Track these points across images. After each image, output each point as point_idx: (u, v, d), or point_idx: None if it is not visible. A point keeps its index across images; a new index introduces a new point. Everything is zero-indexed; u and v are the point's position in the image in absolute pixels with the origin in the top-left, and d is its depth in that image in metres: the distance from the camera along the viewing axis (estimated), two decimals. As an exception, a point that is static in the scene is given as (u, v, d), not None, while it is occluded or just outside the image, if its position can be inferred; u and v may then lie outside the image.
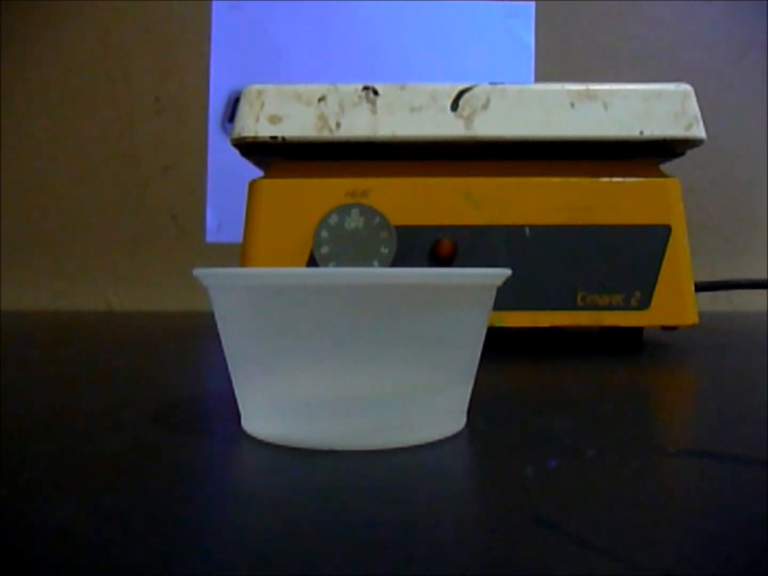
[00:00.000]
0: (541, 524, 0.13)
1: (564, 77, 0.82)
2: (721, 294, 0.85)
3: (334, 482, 0.15)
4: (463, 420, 0.20)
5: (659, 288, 0.37)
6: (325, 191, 0.38)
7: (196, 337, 0.49)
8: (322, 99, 0.38)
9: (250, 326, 0.18)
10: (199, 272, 0.19)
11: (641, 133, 0.38)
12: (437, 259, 0.37)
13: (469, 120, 0.38)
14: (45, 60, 0.86)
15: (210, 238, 0.86)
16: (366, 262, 0.36)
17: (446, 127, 0.38)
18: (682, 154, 0.42)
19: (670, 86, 0.38)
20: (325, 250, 0.37)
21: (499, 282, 0.19)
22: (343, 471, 0.16)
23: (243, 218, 0.40)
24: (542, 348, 0.41)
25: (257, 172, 0.47)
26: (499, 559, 0.11)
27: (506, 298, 0.37)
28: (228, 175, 0.84)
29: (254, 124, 0.38)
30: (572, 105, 0.38)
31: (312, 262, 0.38)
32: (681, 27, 0.88)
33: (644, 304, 0.37)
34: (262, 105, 0.38)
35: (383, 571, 0.11)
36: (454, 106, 0.38)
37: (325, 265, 0.37)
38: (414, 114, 0.38)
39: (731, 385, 0.29)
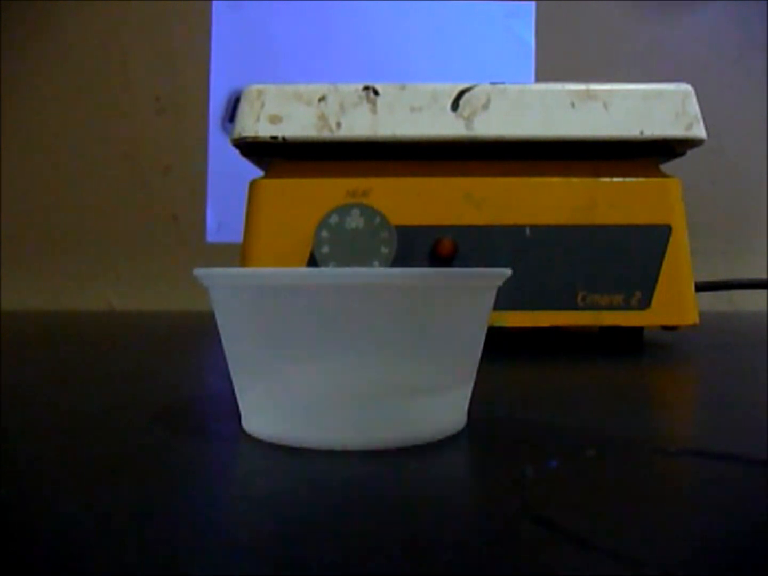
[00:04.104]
0: (541, 524, 0.13)
1: (564, 77, 0.81)
2: (721, 294, 0.85)
3: (334, 482, 0.15)
4: (464, 420, 0.20)
5: (659, 288, 0.37)
6: (326, 191, 0.38)
7: (196, 337, 0.49)
8: (322, 99, 0.38)
9: (250, 326, 0.18)
10: (199, 272, 0.19)
11: (641, 133, 0.38)
12: (438, 259, 0.37)
13: (469, 120, 0.38)
14: (45, 60, 0.86)
15: (210, 238, 0.86)
16: (366, 262, 0.36)
17: (446, 127, 0.38)
18: (682, 154, 0.42)
19: (670, 86, 0.38)
20: (325, 250, 0.37)
21: (500, 282, 0.19)
22: (343, 471, 0.16)
23: (243, 218, 0.40)
24: (542, 348, 0.41)
25: (257, 172, 0.47)
26: (499, 559, 0.11)
27: (507, 298, 0.37)
28: (228, 175, 0.84)
29: (254, 124, 0.38)
30: (572, 105, 0.38)
31: (312, 262, 0.38)
32: (681, 27, 0.88)
33: (644, 304, 0.37)
34: (263, 105, 0.38)
35: (383, 571, 0.11)
36: (455, 106, 0.38)
37: (325, 265, 0.37)
38: (414, 114, 0.38)
39: (731, 385, 0.29)
